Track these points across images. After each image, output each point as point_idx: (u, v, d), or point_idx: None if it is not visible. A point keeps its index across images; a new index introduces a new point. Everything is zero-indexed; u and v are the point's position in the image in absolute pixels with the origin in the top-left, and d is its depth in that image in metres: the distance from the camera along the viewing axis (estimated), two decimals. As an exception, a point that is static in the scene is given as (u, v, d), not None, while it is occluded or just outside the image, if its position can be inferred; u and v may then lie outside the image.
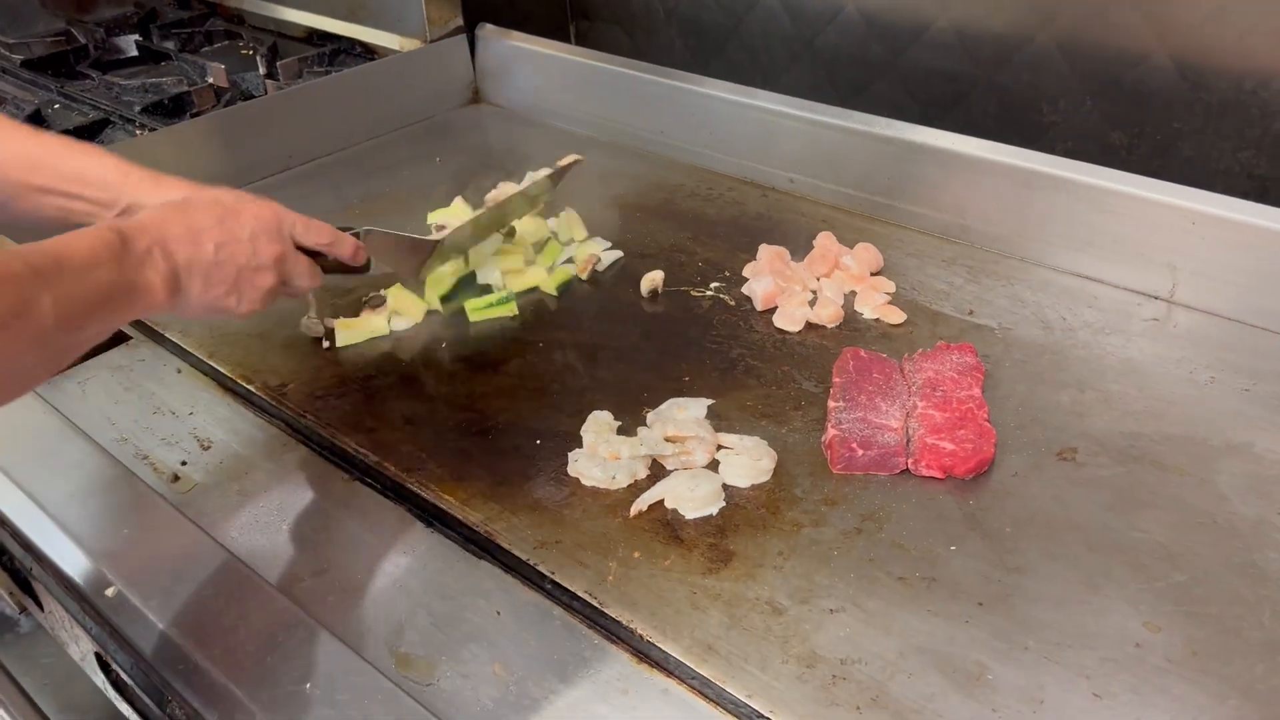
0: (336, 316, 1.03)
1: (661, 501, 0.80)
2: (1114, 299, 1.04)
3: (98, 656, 0.85)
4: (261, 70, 1.54)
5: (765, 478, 0.83)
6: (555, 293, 1.08)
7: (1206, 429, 0.86)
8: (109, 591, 0.78)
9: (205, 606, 0.75)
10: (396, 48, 1.54)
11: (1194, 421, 0.87)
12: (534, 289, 1.09)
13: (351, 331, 1.01)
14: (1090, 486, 0.81)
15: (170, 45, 1.68)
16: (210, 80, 1.52)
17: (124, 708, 0.85)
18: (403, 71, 1.49)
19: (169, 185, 0.86)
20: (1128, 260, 1.04)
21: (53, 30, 1.73)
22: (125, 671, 0.82)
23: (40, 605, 0.90)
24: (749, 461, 0.83)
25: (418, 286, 1.04)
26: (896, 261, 1.11)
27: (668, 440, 0.85)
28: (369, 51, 1.58)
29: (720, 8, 1.46)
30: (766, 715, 0.64)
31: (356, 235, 0.91)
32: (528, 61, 1.51)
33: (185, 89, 1.47)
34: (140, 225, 0.73)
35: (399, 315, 1.03)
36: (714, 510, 0.80)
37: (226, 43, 1.70)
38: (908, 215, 1.18)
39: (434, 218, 1.20)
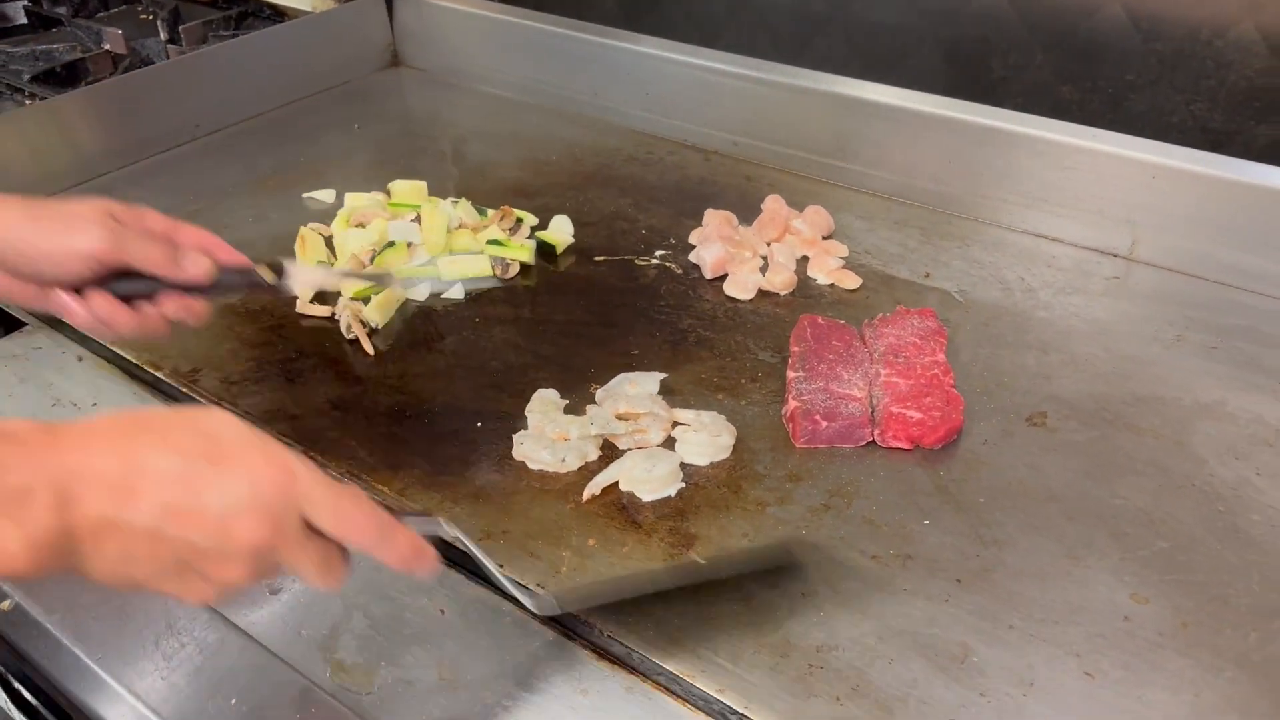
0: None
1: (616, 484, 0.75)
2: (1073, 257, 1.00)
3: (-3, 677, 0.77)
4: (163, 36, 1.44)
5: (725, 454, 0.77)
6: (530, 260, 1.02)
7: (1177, 389, 0.83)
8: (4, 605, 0.70)
9: (112, 618, 0.67)
10: (308, 9, 1.44)
11: (1163, 381, 0.84)
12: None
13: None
14: (1064, 453, 0.77)
15: (62, 11, 1.56)
16: (107, 46, 1.41)
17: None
18: (315, 33, 1.40)
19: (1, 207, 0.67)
20: (1085, 217, 1.01)
21: (-69, -6, 1.60)
22: (27, 689, 0.74)
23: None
24: (707, 438, 0.77)
25: None
26: (847, 224, 1.07)
27: (619, 418, 0.79)
28: (279, 13, 1.48)
29: (653, -37, 1.39)
30: (740, 711, 0.59)
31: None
32: (449, 21, 1.43)
33: (79, 56, 1.37)
34: (40, 445, 0.49)
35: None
36: (672, 491, 0.74)
37: (124, 8, 1.58)
38: (856, 176, 1.14)
39: (309, 195, 1.14)
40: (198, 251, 0.72)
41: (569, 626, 0.65)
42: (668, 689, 0.62)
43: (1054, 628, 0.64)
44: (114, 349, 0.90)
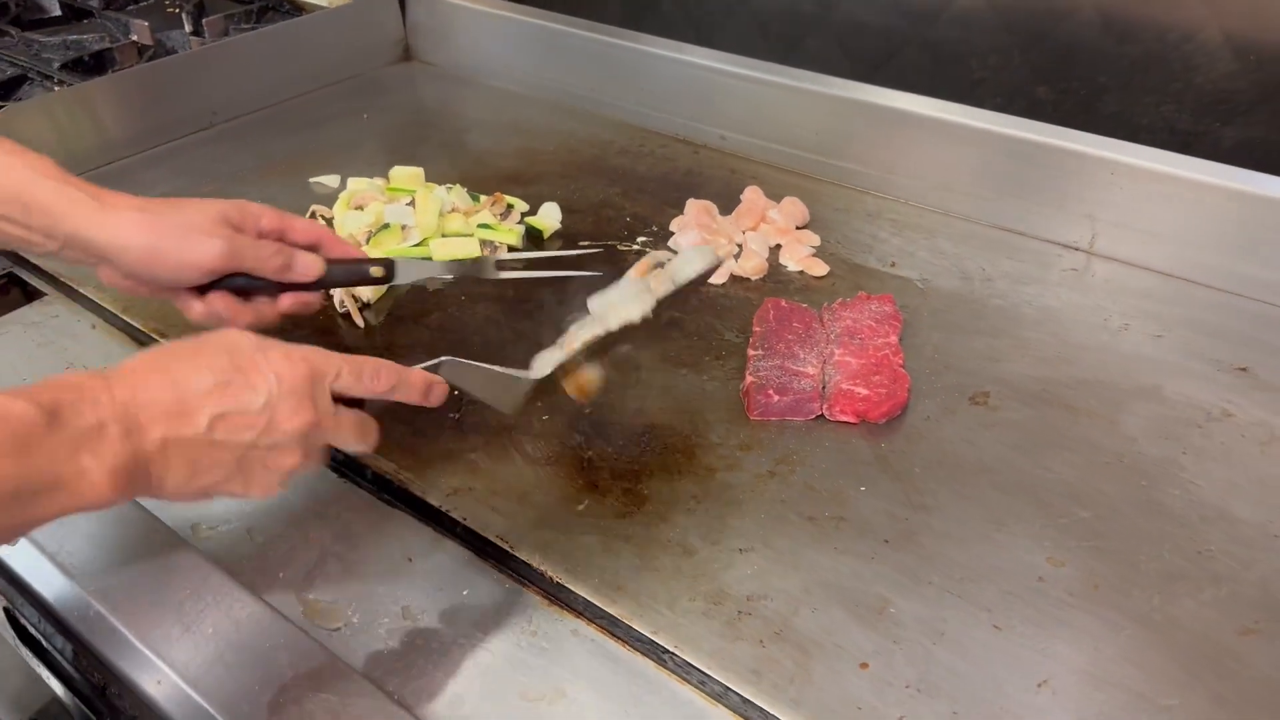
0: None
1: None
2: (1034, 250, 1.05)
3: (5, 611, 0.84)
4: (187, 28, 1.51)
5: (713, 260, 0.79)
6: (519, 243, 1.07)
7: (1117, 373, 0.87)
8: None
9: (112, 557, 0.73)
10: (324, 4, 1.51)
11: (1105, 366, 0.88)
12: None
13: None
14: (1000, 429, 0.81)
15: (94, 3, 1.64)
16: (134, 38, 1.49)
17: (35, 664, 0.84)
18: (330, 27, 1.46)
19: (121, 208, 0.72)
20: (1048, 212, 1.05)
21: (-28, -13, 1.68)
22: (34, 626, 0.81)
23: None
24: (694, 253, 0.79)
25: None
26: (823, 216, 1.12)
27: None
28: (297, 9, 1.55)
29: (653, -36, 1.45)
30: (671, 650, 0.64)
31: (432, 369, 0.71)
32: (460, 17, 1.49)
33: (107, 46, 1.44)
34: (98, 388, 0.55)
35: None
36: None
37: (152, 1, 1.66)
38: (836, 170, 1.18)
39: (316, 180, 1.20)
40: (309, 246, 0.79)
41: (523, 575, 0.71)
42: (609, 631, 0.67)
43: (970, 585, 0.68)
44: (124, 318, 0.97)
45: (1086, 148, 1.01)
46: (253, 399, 0.58)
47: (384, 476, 0.79)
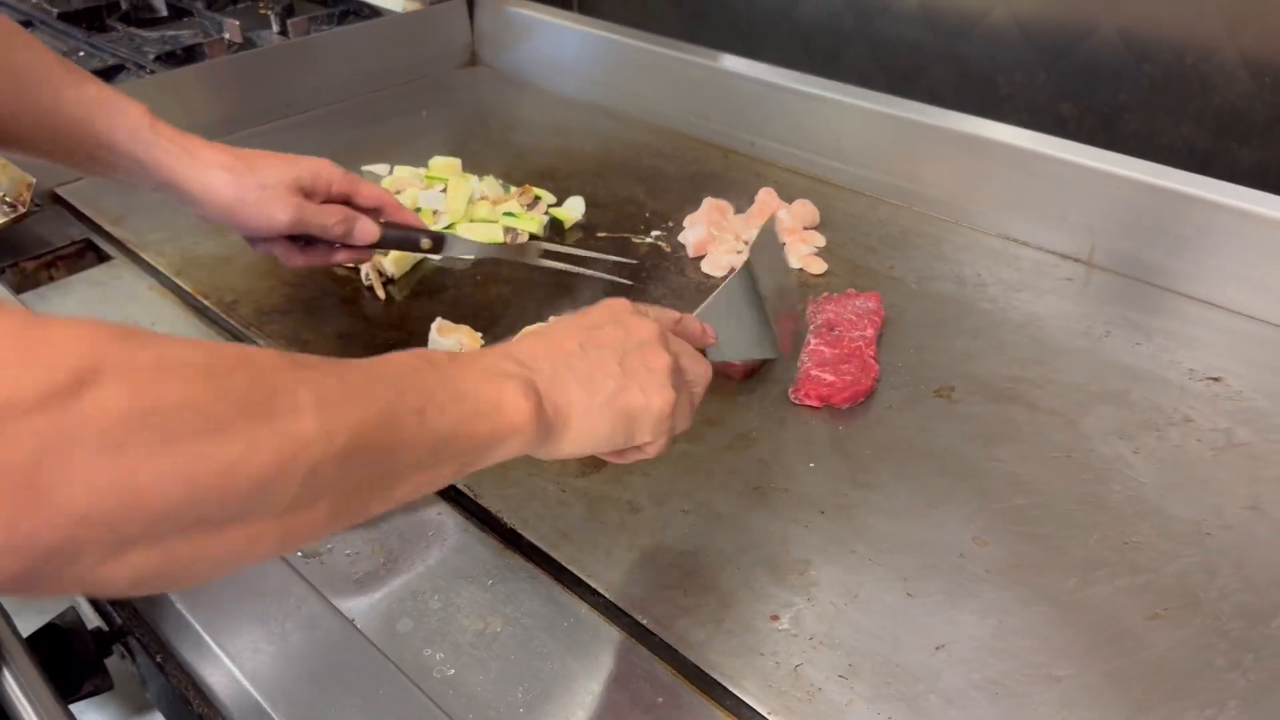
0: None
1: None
2: (1034, 259, 1.07)
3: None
4: (274, 28, 1.63)
5: None
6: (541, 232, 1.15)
7: (1087, 377, 0.89)
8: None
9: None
10: (399, 10, 1.61)
11: (1077, 370, 0.90)
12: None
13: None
14: (958, 420, 0.85)
15: (198, 4, 1.78)
16: (226, 35, 1.62)
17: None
18: (400, 31, 1.56)
19: (208, 159, 0.82)
20: (1051, 222, 1.07)
21: (94, -12, 1.85)
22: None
23: None
24: None
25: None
26: (834, 219, 1.16)
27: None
28: (376, 14, 1.66)
29: (706, -21, 1.51)
30: (601, 592, 0.70)
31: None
32: (523, 26, 1.57)
33: (199, 41, 1.57)
34: (470, 352, 0.58)
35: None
36: None
37: (249, 3, 1.79)
38: (851, 176, 1.22)
39: (368, 168, 1.28)
40: (372, 208, 0.90)
41: (484, 521, 0.77)
42: (552, 575, 0.73)
43: (893, 555, 0.72)
44: (176, 280, 1.07)
45: (1087, 160, 1.03)
46: (602, 321, 0.61)
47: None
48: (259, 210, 0.84)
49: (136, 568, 0.37)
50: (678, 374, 0.61)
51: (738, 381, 0.89)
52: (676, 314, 0.68)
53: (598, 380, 0.57)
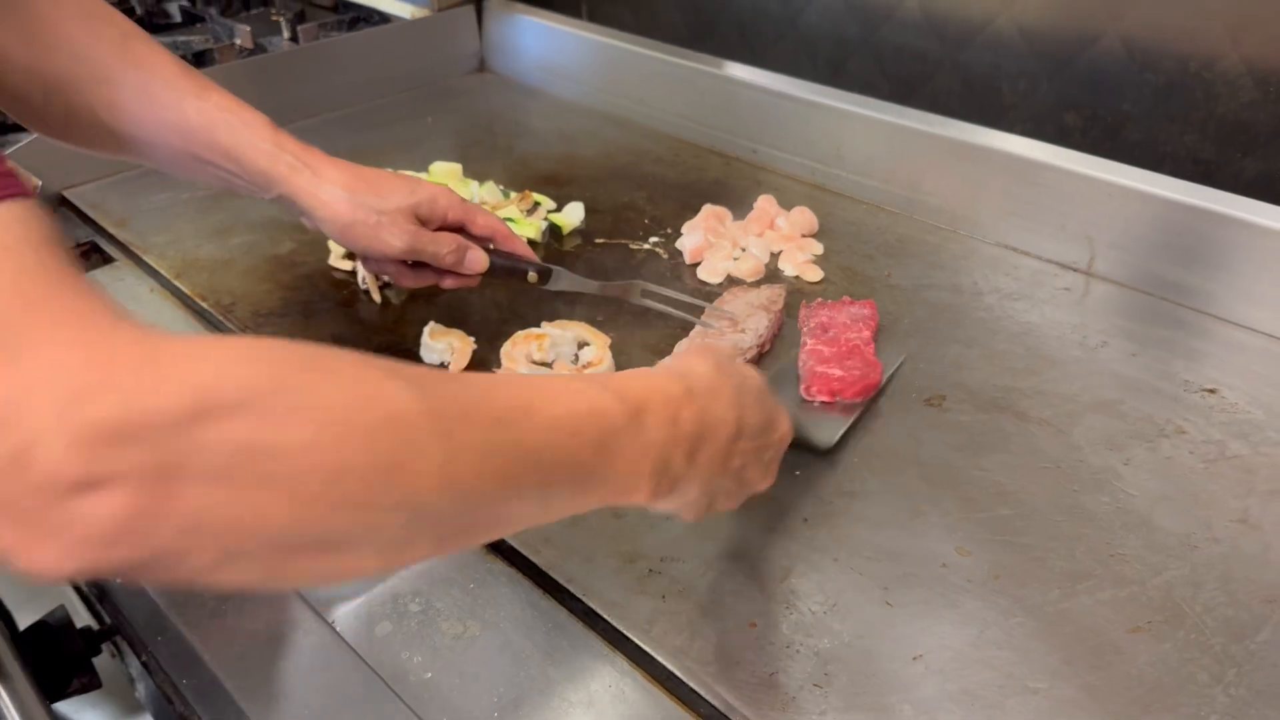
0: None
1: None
2: (1033, 269, 1.06)
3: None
4: (285, 34, 1.65)
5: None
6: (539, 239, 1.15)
7: (1080, 387, 0.89)
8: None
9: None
10: (409, 17, 1.62)
11: (1070, 379, 0.89)
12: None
13: None
14: (947, 429, 0.84)
15: (213, 10, 1.80)
16: (237, 41, 1.63)
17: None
18: (409, 38, 1.57)
19: (329, 176, 0.82)
20: (1050, 232, 1.07)
21: (111, -6, 1.87)
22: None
23: None
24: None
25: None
26: (833, 226, 1.15)
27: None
28: (385, 20, 1.67)
29: (713, -14, 1.51)
30: (580, 597, 0.70)
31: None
32: (530, 33, 1.58)
33: (209, 46, 1.59)
34: (681, 401, 0.54)
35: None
36: None
37: (261, 9, 1.81)
38: (851, 184, 1.22)
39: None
40: (485, 237, 0.89)
41: (468, 524, 0.77)
42: (533, 579, 0.73)
43: (873, 564, 0.72)
44: (176, 284, 1.08)
45: (1087, 169, 1.03)
46: (768, 453, 0.63)
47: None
48: (374, 235, 0.83)
49: (242, 575, 0.39)
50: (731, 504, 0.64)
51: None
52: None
53: (715, 487, 0.59)
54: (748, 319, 0.93)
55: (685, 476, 0.55)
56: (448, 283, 0.89)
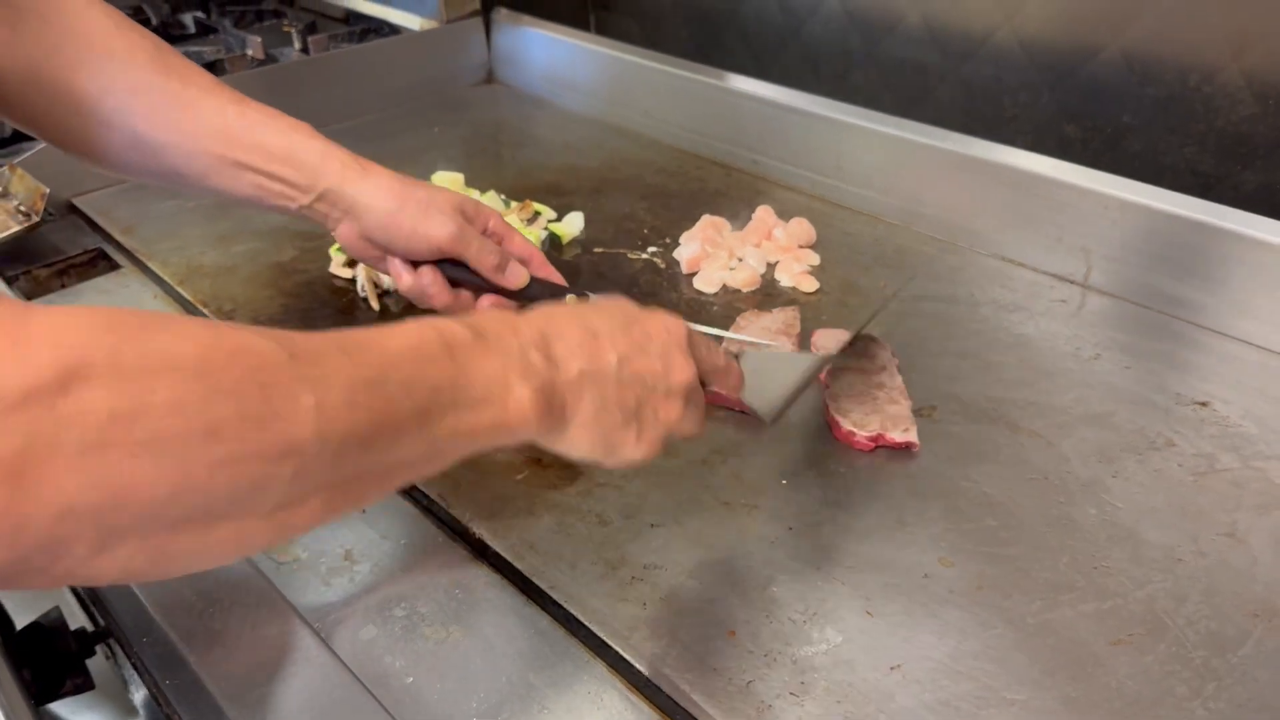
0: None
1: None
2: (1030, 281, 1.06)
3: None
4: (296, 45, 1.67)
5: None
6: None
7: (1072, 399, 0.88)
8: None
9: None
10: (417, 29, 1.64)
11: (1063, 391, 0.89)
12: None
13: None
14: (937, 440, 0.84)
15: (226, 22, 1.82)
16: (249, 51, 1.65)
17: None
18: (418, 49, 1.59)
19: (378, 173, 0.81)
20: (1047, 244, 1.06)
21: (128, 5, 1.89)
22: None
23: None
24: None
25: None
26: (831, 238, 1.16)
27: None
28: (395, 32, 1.69)
29: (718, -1, 1.52)
30: (561, 604, 0.70)
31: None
32: (537, 45, 1.59)
33: (221, 56, 1.60)
34: (515, 320, 0.55)
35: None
36: None
37: (274, 20, 1.83)
38: (851, 195, 1.22)
39: None
40: (520, 259, 0.86)
41: (454, 530, 0.78)
42: (517, 586, 0.73)
43: (855, 574, 0.72)
44: (179, 290, 1.09)
45: (1082, 181, 1.03)
46: (651, 345, 0.60)
47: (357, 437, 0.87)
48: (418, 221, 0.81)
49: (126, 561, 0.38)
50: (679, 423, 0.62)
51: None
52: (724, 359, 0.67)
53: (610, 410, 0.58)
54: (770, 344, 0.93)
55: (562, 383, 0.55)
56: (484, 302, 0.86)
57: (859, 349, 0.91)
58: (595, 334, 0.57)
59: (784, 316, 0.97)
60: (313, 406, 0.41)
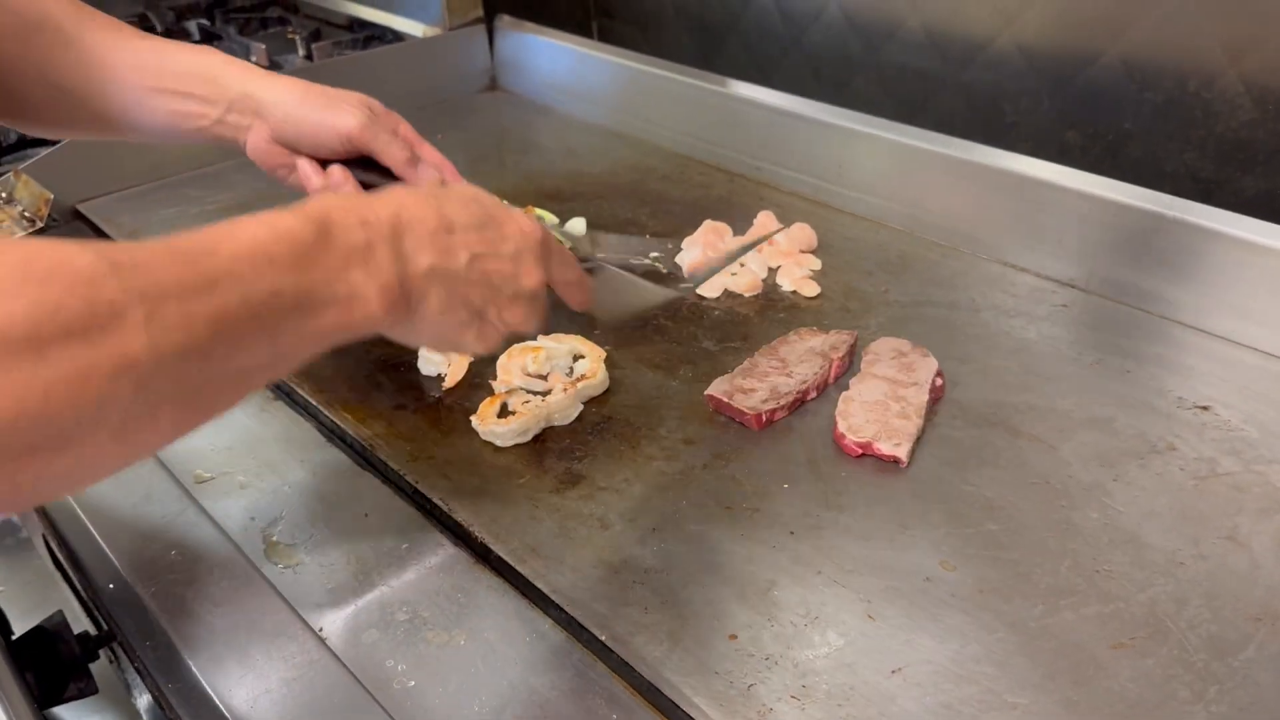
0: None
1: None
2: (1030, 285, 1.06)
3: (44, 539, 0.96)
4: (301, 53, 1.68)
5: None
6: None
7: (1073, 403, 0.88)
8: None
9: (107, 492, 0.84)
10: (421, 36, 1.65)
11: (1064, 395, 0.89)
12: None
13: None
14: (937, 445, 0.84)
15: (231, 29, 1.83)
16: (253, 58, 1.66)
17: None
18: (422, 56, 1.60)
19: (284, 77, 0.83)
20: (1048, 249, 1.07)
21: (132, 12, 1.91)
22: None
23: None
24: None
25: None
26: (833, 243, 1.16)
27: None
28: (399, 39, 1.70)
29: (721, 6, 1.52)
30: (563, 607, 0.70)
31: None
32: (540, 51, 1.60)
33: (225, 64, 1.61)
34: (365, 209, 0.54)
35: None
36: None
37: (279, 28, 1.84)
38: (853, 201, 1.23)
39: None
40: (432, 166, 0.87)
41: (458, 534, 0.78)
42: (520, 592, 0.73)
43: (856, 578, 0.72)
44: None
45: (1084, 187, 1.03)
46: (505, 246, 0.60)
47: (360, 441, 0.87)
48: (325, 113, 0.82)
49: None
50: (522, 324, 0.64)
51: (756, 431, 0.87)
52: (578, 274, 0.68)
53: (455, 306, 0.58)
54: (798, 364, 0.91)
55: (409, 277, 0.55)
56: (334, 173, 0.86)
57: (901, 361, 0.90)
58: (449, 228, 0.57)
59: (833, 339, 0.95)
60: (141, 317, 0.40)
